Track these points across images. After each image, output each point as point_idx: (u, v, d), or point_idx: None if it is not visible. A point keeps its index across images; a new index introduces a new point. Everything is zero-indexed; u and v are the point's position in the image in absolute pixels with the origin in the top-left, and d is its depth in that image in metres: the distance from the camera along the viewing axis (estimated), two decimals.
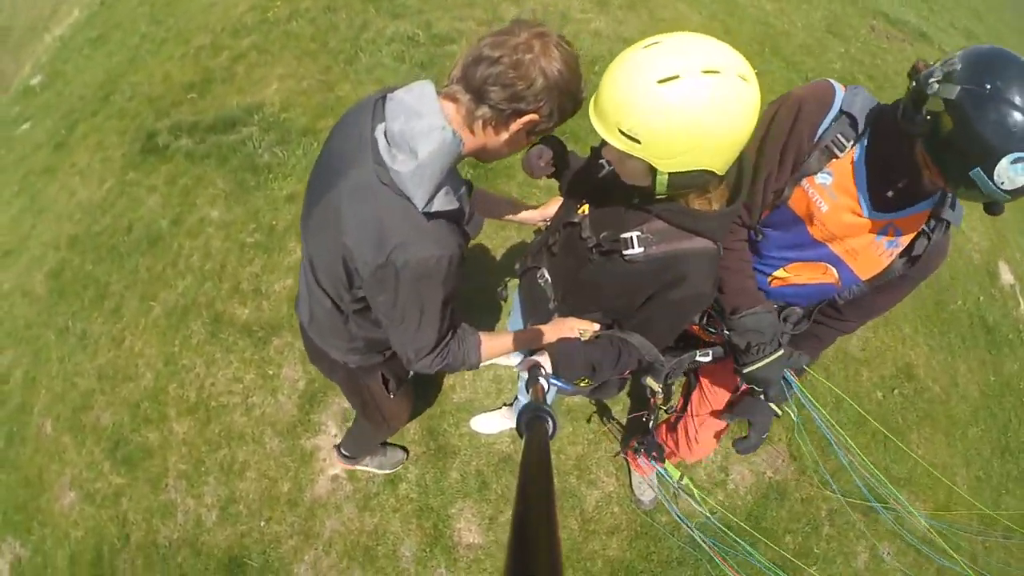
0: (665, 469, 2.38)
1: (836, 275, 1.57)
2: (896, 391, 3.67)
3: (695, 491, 2.48)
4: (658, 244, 1.36)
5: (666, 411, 2.14)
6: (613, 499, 3.00)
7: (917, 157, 1.30)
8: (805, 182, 1.50)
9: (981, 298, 4.31)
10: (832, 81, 1.50)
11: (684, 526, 2.72)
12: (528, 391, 1.40)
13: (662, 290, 1.40)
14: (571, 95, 1.25)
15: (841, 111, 1.45)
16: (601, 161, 1.55)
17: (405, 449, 3.03)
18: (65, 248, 4.32)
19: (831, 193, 1.46)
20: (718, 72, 1.07)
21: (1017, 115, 1.10)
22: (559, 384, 1.63)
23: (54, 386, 3.63)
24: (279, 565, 2.87)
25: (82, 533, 3.16)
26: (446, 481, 2.98)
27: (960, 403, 3.81)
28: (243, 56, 5.18)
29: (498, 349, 1.66)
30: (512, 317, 2.45)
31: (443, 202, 1.25)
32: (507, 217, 2.12)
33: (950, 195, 1.42)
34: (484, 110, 1.21)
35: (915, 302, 4.00)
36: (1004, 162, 1.12)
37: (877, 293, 1.62)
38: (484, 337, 1.60)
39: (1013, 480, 3.69)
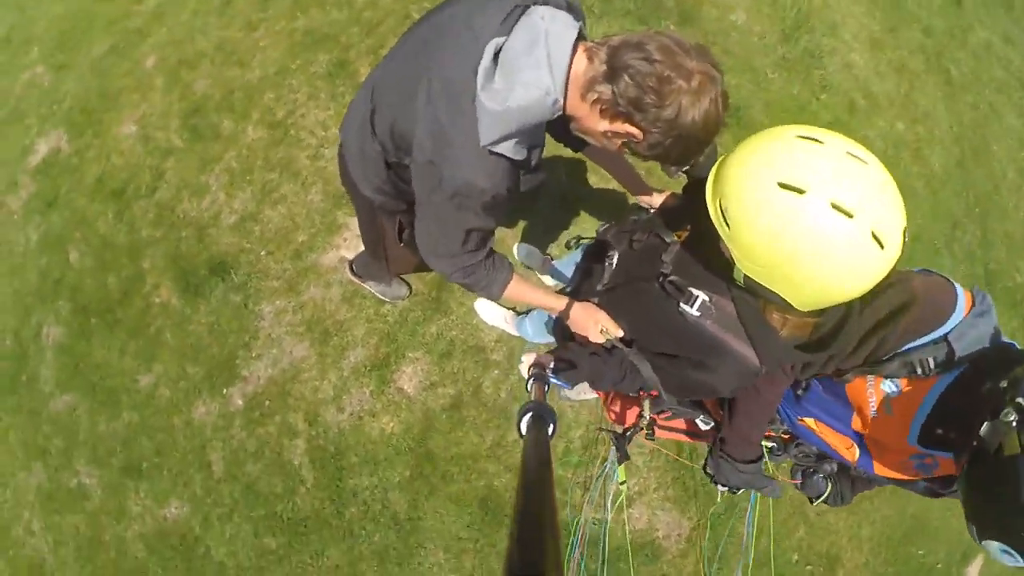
0: (617, 471, 2.52)
1: (856, 456, 1.60)
2: (809, 567, 3.72)
3: (622, 502, 2.67)
4: (713, 323, 1.40)
5: (647, 436, 2.22)
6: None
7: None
8: (871, 378, 1.47)
9: (939, 566, 4.18)
10: (956, 287, 1.41)
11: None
12: (529, 390, 1.56)
13: (687, 361, 1.50)
14: (685, 147, 1.31)
15: (947, 340, 1.36)
16: None
17: (410, 287, 3.40)
18: None
19: (888, 406, 1.43)
20: (850, 216, 1.01)
21: None
22: (560, 384, 1.76)
23: (176, 30, 4.23)
24: (253, 292, 3.42)
25: (121, 163, 3.82)
26: (422, 329, 3.38)
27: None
28: None
29: (523, 296, 1.81)
30: (562, 266, 2.72)
31: (509, 149, 1.35)
32: (617, 177, 2.23)
33: None
34: (605, 89, 1.26)
35: (884, 526, 4.00)
36: (995, 545, 1.12)
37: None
38: (516, 279, 1.75)
39: None
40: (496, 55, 1.31)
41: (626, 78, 1.22)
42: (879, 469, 1.55)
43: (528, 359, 1.70)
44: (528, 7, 1.34)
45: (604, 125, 1.32)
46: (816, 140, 1.06)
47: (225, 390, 3.26)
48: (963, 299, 1.38)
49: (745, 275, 1.22)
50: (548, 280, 3.33)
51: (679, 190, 1.99)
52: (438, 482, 3.22)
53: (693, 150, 1.32)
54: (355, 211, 2.35)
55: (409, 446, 3.22)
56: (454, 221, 1.47)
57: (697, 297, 1.41)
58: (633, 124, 1.27)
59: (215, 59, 4.05)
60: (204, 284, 3.40)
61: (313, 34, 4.09)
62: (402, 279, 3.37)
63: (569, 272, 2.59)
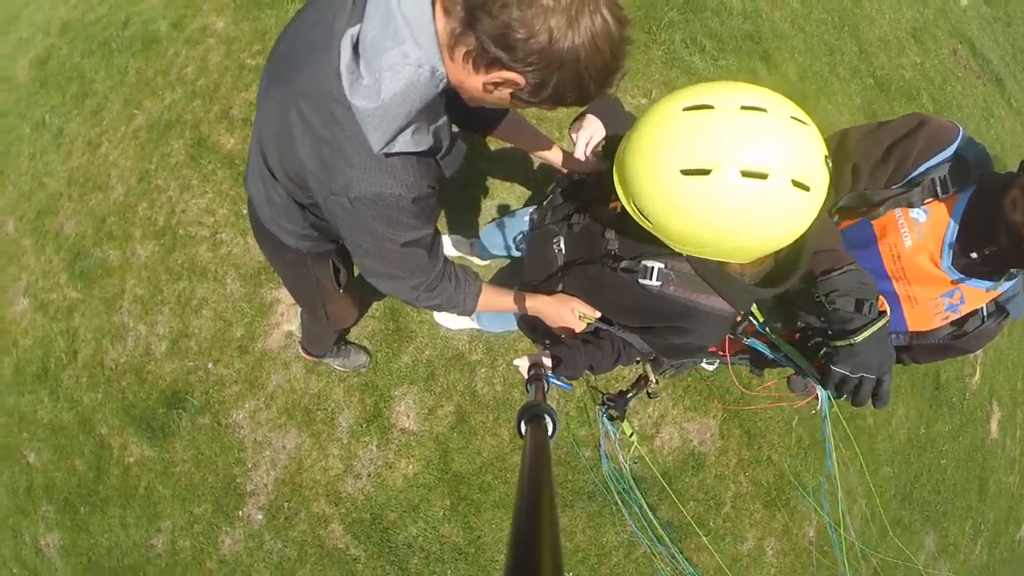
0: (617, 425, 2.43)
1: (887, 311, 1.56)
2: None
3: (635, 445, 2.58)
4: (677, 286, 1.35)
5: (650, 395, 2.14)
6: None
7: (1007, 206, 1.35)
8: (899, 211, 1.55)
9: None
10: (957, 124, 1.58)
11: (602, 466, 2.91)
12: (529, 389, 1.44)
13: (664, 329, 1.43)
14: (579, 81, 1.07)
15: (957, 153, 1.51)
16: None
17: (369, 352, 3.19)
18: (56, 34, 4.40)
19: (920, 232, 1.52)
20: (764, 177, 0.96)
21: None
22: (560, 383, 1.65)
23: (21, 183, 3.83)
24: (219, 408, 3.14)
25: (30, 343, 3.46)
26: (396, 363, 3.20)
27: (885, 441, 4.15)
28: None
29: (497, 304, 1.67)
30: (487, 242, 2.60)
31: (408, 143, 1.16)
32: (532, 151, 2.06)
33: (1019, 285, 1.50)
34: (469, 39, 1.05)
35: None
36: None
37: (918, 352, 1.74)
38: (486, 288, 1.61)
39: (902, 527, 4.08)
40: (355, 47, 1.10)
41: (484, 17, 1.00)
42: (912, 321, 1.60)
43: (524, 361, 1.61)
44: None
45: (481, 78, 1.10)
46: (705, 107, 1.00)
47: (240, 512, 3.00)
48: (962, 128, 1.55)
49: (686, 255, 1.21)
50: (478, 261, 3.23)
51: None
52: (479, 496, 3.07)
53: (592, 83, 1.07)
54: (280, 273, 2.16)
55: (436, 478, 3.05)
56: (388, 241, 1.28)
57: (652, 268, 1.36)
58: (507, 68, 1.05)
59: (71, 195, 3.69)
60: (167, 422, 3.11)
61: (157, 126, 3.75)
62: (359, 346, 3.16)
63: (494, 247, 2.51)
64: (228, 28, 4.07)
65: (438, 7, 1.06)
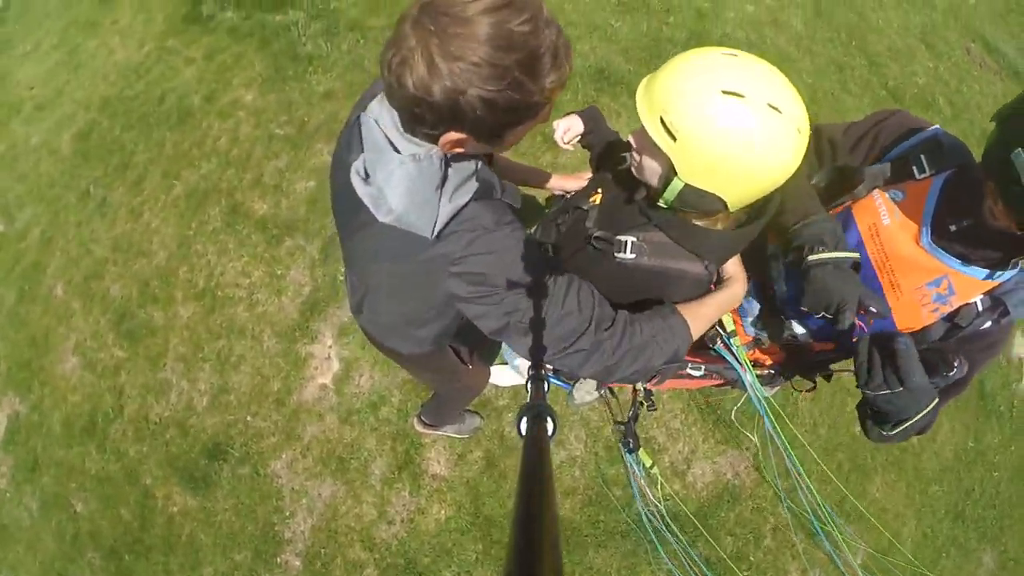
0: (637, 458, 2.51)
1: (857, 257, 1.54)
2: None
3: (660, 480, 2.63)
4: (651, 256, 1.39)
5: (648, 408, 2.19)
6: (577, 463, 3.24)
7: (985, 191, 1.28)
8: (876, 193, 1.48)
9: (999, 353, 4.22)
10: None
11: (635, 505, 2.94)
12: (528, 389, 1.44)
13: (644, 302, 1.45)
14: (493, 103, 0.98)
15: (935, 136, 1.45)
16: (625, 154, 1.50)
17: (480, 415, 3.26)
18: (96, 110, 4.59)
19: (898, 211, 1.44)
20: (779, 112, 1.10)
21: None
22: (559, 383, 1.68)
23: (69, 249, 3.97)
24: (258, 458, 3.21)
25: (79, 398, 3.56)
26: None
27: (931, 459, 3.94)
28: None
29: (706, 313, 1.44)
30: None
31: (451, 208, 1.14)
32: (523, 182, 2.12)
33: (1016, 275, 1.38)
34: (409, 128, 1.09)
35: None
36: None
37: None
38: (684, 307, 1.40)
39: (957, 546, 3.85)
40: (363, 175, 1.18)
41: (397, 108, 1.06)
42: (898, 315, 1.49)
43: (524, 361, 1.61)
44: (359, 116, 1.21)
45: (444, 147, 1.10)
46: (734, 54, 1.15)
47: (278, 559, 3.05)
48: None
49: (684, 186, 1.22)
50: None
51: (582, 170, 2.04)
52: None
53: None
54: (407, 369, 2.21)
55: (469, 522, 3.09)
56: (523, 280, 1.21)
57: (626, 241, 1.39)
58: (439, 135, 1.05)
59: (117, 260, 3.84)
60: (209, 473, 3.19)
61: (195, 194, 3.92)
62: (471, 411, 3.22)
63: None
64: (256, 100, 4.27)
65: (395, 116, 1.11)
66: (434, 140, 1.08)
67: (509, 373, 3.21)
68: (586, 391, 3.14)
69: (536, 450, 0.75)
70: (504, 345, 2.98)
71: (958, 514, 3.94)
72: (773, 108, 1.10)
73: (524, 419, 1.02)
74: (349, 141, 1.25)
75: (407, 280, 1.29)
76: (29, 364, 3.72)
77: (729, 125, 1.10)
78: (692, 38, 4.65)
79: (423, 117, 1.01)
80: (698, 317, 1.39)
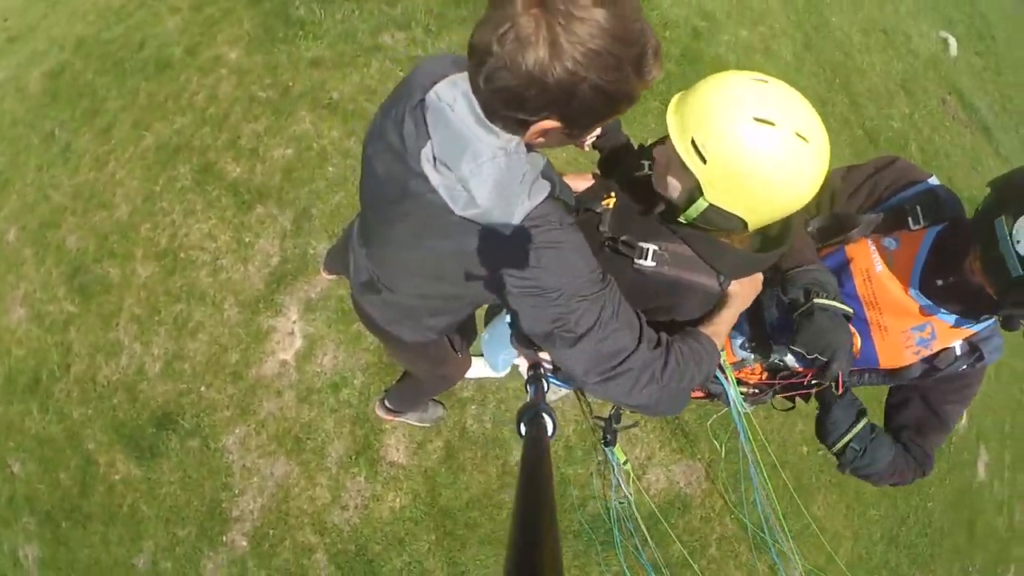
0: (613, 453, 2.47)
1: (858, 344, 1.58)
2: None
3: (631, 476, 2.62)
4: (671, 267, 1.39)
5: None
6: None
7: (972, 261, 1.36)
8: (871, 239, 1.56)
9: (974, 395, 4.39)
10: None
11: (591, 504, 3.02)
12: (528, 389, 1.44)
13: (652, 310, 1.43)
14: (602, 92, 0.96)
15: (931, 189, 1.52)
16: (644, 161, 1.53)
17: (444, 406, 3.18)
18: (70, 50, 4.34)
19: (891, 258, 1.52)
20: (806, 141, 1.12)
21: None
22: (558, 383, 1.66)
23: (26, 193, 3.75)
24: (209, 432, 3.06)
25: (24, 353, 3.36)
26: None
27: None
28: None
29: (722, 325, 1.42)
30: None
31: (530, 204, 1.11)
32: None
33: (991, 325, 1.49)
34: (495, 115, 1.05)
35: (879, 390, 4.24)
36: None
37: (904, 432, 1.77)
38: (705, 327, 1.39)
39: (889, 569, 4.01)
40: (435, 163, 1.11)
41: (488, 93, 1.00)
42: (882, 354, 1.57)
43: (524, 361, 1.64)
44: (424, 99, 1.13)
45: (528, 136, 1.09)
46: (763, 80, 1.16)
47: (224, 537, 2.90)
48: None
49: (708, 207, 1.23)
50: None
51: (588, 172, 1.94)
52: (465, 532, 3.02)
53: (624, 81, 0.97)
54: (397, 357, 2.22)
55: (423, 512, 3.00)
56: (586, 284, 1.17)
57: (648, 249, 1.38)
58: (534, 122, 1.02)
59: (76, 209, 3.62)
60: (156, 442, 3.02)
61: (165, 148, 3.70)
62: (435, 401, 3.13)
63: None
64: (241, 59, 4.05)
65: (473, 103, 1.06)
66: (522, 128, 1.05)
67: (480, 365, 3.11)
68: (556, 388, 3.08)
69: (536, 450, 0.77)
70: (486, 338, 2.89)
71: (892, 539, 4.10)
72: (801, 137, 1.12)
73: (524, 420, 1.06)
74: (401, 129, 1.17)
75: (461, 271, 1.23)
76: None
77: (759, 152, 1.12)
78: (685, 56, 4.64)
79: (528, 101, 0.97)
80: (718, 336, 1.38)
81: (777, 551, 3.14)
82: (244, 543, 2.93)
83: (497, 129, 1.06)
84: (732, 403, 1.69)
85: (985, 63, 7.31)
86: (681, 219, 1.32)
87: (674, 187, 1.28)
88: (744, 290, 1.46)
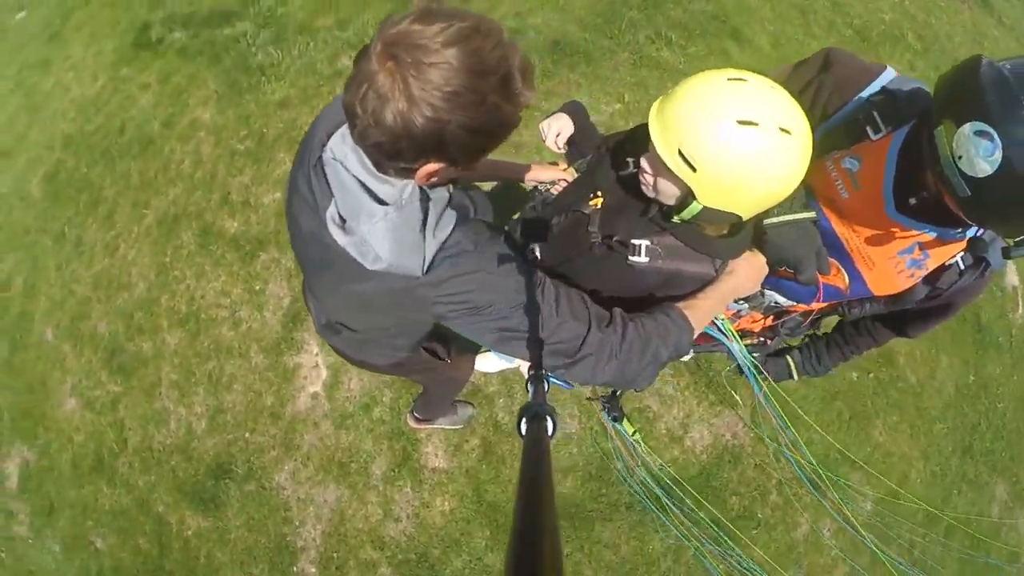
0: (623, 428, 2.49)
1: (846, 280, 1.50)
2: (872, 374, 3.76)
3: (643, 445, 2.59)
4: (665, 260, 1.39)
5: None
6: (573, 440, 3.21)
7: (930, 183, 1.22)
8: (829, 162, 1.41)
9: (981, 295, 4.13)
10: (884, 64, 1.42)
11: (630, 476, 2.94)
12: (528, 388, 1.41)
13: (649, 299, 1.44)
14: (472, 126, 0.96)
15: (885, 89, 1.35)
16: (628, 159, 1.50)
17: (472, 404, 3.23)
18: (60, 149, 4.53)
19: (855, 181, 1.37)
20: (790, 133, 1.11)
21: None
22: (559, 382, 1.65)
23: (53, 294, 3.93)
24: (261, 473, 3.20)
25: (83, 438, 3.54)
26: None
27: (933, 397, 3.87)
28: None
29: (706, 309, 1.39)
30: None
31: (435, 241, 1.12)
32: (501, 177, 2.21)
33: (987, 232, 1.32)
34: (384, 168, 1.06)
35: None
36: (967, 128, 1.04)
37: (905, 319, 1.64)
38: (685, 305, 1.36)
39: (968, 482, 3.80)
40: (339, 223, 1.13)
41: (370, 149, 1.01)
42: (875, 285, 1.47)
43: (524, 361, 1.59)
44: (321, 156, 1.15)
45: (420, 181, 1.08)
46: (740, 80, 1.14)
47: (294, 568, 3.05)
48: (894, 70, 1.39)
49: (703, 209, 1.21)
50: None
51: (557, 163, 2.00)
52: None
53: (493, 111, 0.96)
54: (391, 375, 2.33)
55: (473, 510, 3.08)
56: (514, 288, 1.18)
57: (641, 245, 1.39)
58: (417, 167, 1.02)
59: (99, 297, 3.79)
60: (217, 493, 3.18)
61: (166, 220, 3.86)
62: (463, 401, 3.19)
63: None
64: (214, 118, 4.18)
65: (363, 156, 1.07)
66: (409, 174, 1.05)
67: (494, 359, 3.17)
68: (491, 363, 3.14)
69: (536, 451, 0.76)
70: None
71: (965, 449, 3.88)
72: (784, 131, 1.11)
73: (524, 420, 1.02)
74: (310, 183, 1.20)
75: (392, 307, 1.26)
76: (31, 412, 3.70)
77: (747, 153, 1.11)
78: (648, 2, 4.50)
79: (402, 152, 0.98)
80: (694, 308, 1.35)
81: (836, 490, 2.89)
82: (313, 570, 3.06)
83: (390, 178, 1.07)
84: (737, 355, 1.69)
85: None
86: (676, 219, 1.31)
87: (666, 191, 1.27)
88: (738, 267, 1.43)
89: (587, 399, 3.03)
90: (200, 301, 3.58)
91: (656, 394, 3.31)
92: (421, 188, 1.12)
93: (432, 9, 0.93)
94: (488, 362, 3.17)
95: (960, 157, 1.05)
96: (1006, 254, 1.18)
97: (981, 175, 1.03)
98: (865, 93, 1.37)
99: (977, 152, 1.02)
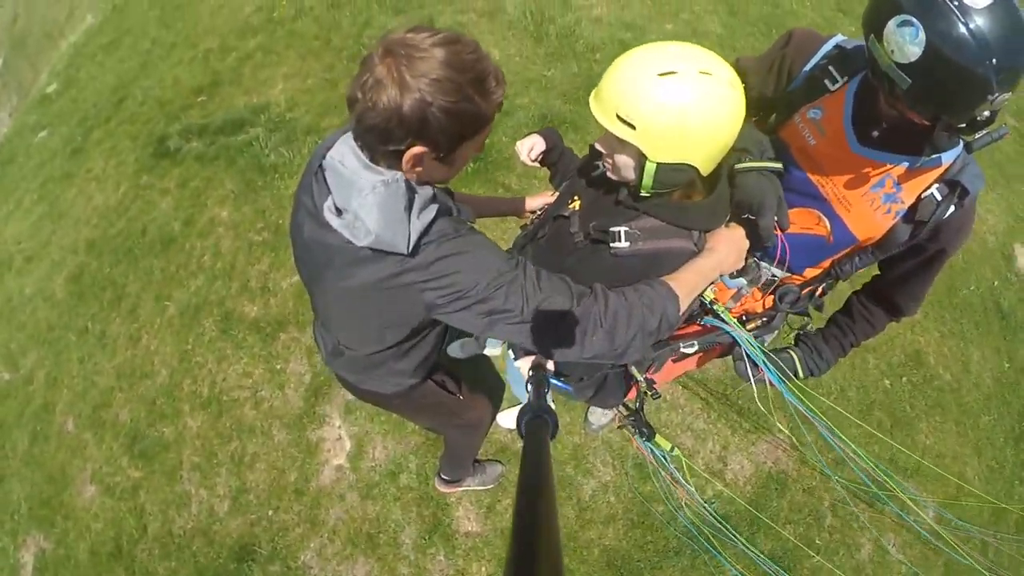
0: (656, 445, 2.45)
1: (828, 227, 1.56)
2: (904, 378, 3.74)
3: (684, 462, 2.52)
4: (644, 241, 1.43)
5: (652, 396, 2.20)
6: (610, 488, 3.18)
7: (883, 95, 1.32)
8: (797, 116, 1.53)
9: (996, 282, 4.29)
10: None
11: (678, 516, 2.85)
12: (528, 391, 1.43)
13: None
14: (454, 114, 1.14)
15: (837, 45, 1.50)
16: (597, 162, 1.58)
17: (502, 462, 3.19)
18: (83, 252, 4.64)
19: (820, 127, 1.49)
20: (710, 75, 1.20)
21: None
22: (560, 384, 1.69)
23: (75, 385, 3.94)
24: (287, 552, 3.12)
25: (102, 525, 3.46)
26: None
27: (972, 391, 3.82)
28: (249, 57, 5.49)
29: (691, 279, 1.40)
30: None
31: (419, 224, 1.22)
32: (498, 213, 2.28)
33: (959, 154, 1.39)
34: (375, 153, 1.21)
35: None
36: (891, 24, 1.15)
37: (895, 283, 1.65)
38: (672, 278, 1.38)
39: None
40: (336, 210, 1.26)
41: (363, 132, 1.18)
42: (856, 227, 1.52)
43: (526, 362, 1.62)
44: (322, 163, 1.30)
45: (406, 168, 1.22)
46: (659, 46, 1.26)
47: None
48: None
49: (657, 167, 1.28)
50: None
51: (547, 189, 2.09)
52: None
53: (471, 104, 1.15)
54: (401, 414, 2.27)
55: None
56: (495, 271, 1.27)
57: (619, 231, 1.44)
58: (405, 151, 1.17)
59: (122, 387, 3.81)
60: None
61: (188, 311, 3.94)
62: (492, 460, 3.17)
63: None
64: (232, 215, 4.36)
65: (357, 149, 1.23)
66: (397, 160, 1.19)
67: (513, 415, 3.20)
68: (601, 414, 3.12)
69: (536, 450, 0.79)
70: (509, 379, 2.95)
71: (1018, 437, 3.78)
72: (704, 73, 1.20)
73: (524, 420, 1.07)
74: (312, 192, 1.33)
75: (387, 301, 1.33)
76: (49, 501, 3.62)
77: (673, 98, 1.20)
78: None
79: (392, 132, 1.13)
80: (679, 281, 1.37)
81: (895, 502, 2.88)
82: None
83: (381, 168, 1.21)
84: (744, 344, 1.70)
85: None
86: (643, 192, 1.38)
87: (625, 164, 1.35)
88: (718, 244, 1.46)
89: (618, 427, 2.89)
90: (222, 384, 3.62)
91: (689, 429, 3.30)
92: (407, 181, 1.23)
93: (422, 25, 1.15)
94: (510, 417, 3.19)
95: (892, 51, 1.15)
96: (968, 148, 1.29)
97: (914, 59, 1.13)
98: (821, 52, 1.52)
99: (905, 40, 1.13)
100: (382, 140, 1.16)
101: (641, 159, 1.30)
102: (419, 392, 1.85)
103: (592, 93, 1.35)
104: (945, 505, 3.19)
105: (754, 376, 1.72)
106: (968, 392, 3.81)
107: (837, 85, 1.46)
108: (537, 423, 1.03)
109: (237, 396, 3.55)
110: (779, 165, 1.51)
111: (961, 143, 1.36)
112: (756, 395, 1.68)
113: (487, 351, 3.27)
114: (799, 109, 1.53)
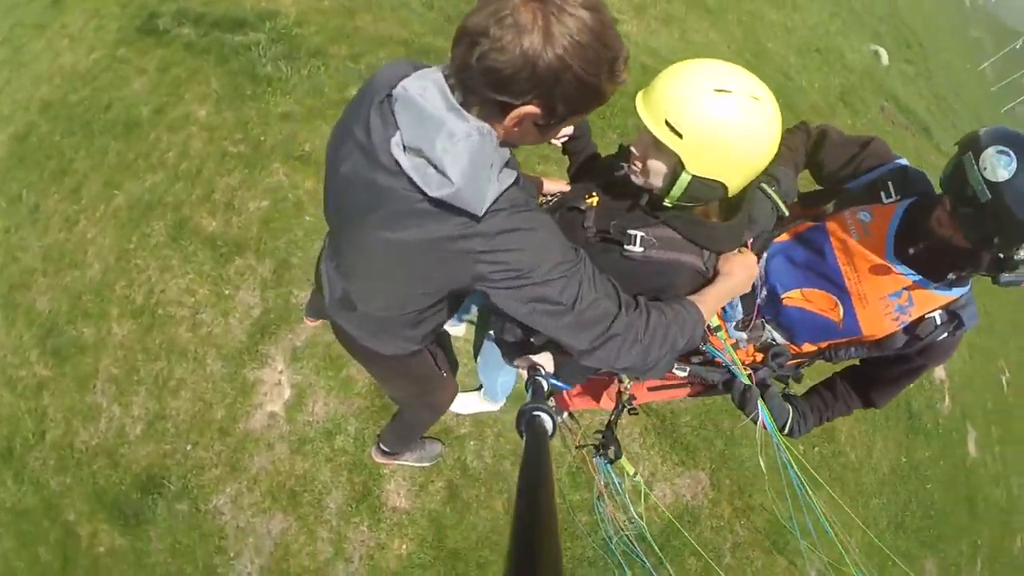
0: (620, 469, 2.32)
1: (840, 314, 1.63)
2: (816, 448, 3.94)
3: (644, 490, 2.55)
4: (658, 250, 1.42)
5: (630, 411, 2.13)
6: None
7: (933, 224, 1.44)
8: (847, 212, 1.63)
9: (912, 386, 4.42)
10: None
11: (601, 531, 2.81)
12: (528, 391, 1.43)
13: (645, 292, 1.41)
14: (582, 85, 1.02)
15: (901, 166, 1.64)
16: (623, 163, 1.54)
17: (441, 441, 3.00)
18: (36, 112, 4.15)
19: (866, 229, 1.58)
20: (759, 100, 1.23)
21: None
22: (558, 383, 1.60)
23: None
24: (198, 492, 2.81)
25: None
26: None
27: (870, 474, 4.11)
28: None
29: (714, 299, 1.42)
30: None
31: (501, 185, 1.10)
32: None
33: (966, 293, 1.53)
34: (474, 97, 1.05)
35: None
36: (991, 148, 1.26)
37: (878, 382, 1.78)
38: (697, 298, 1.38)
39: (900, 555, 3.91)
40: (405, 149, 1.08)
41: (474, 73, 1.00)
42: (864, 323, 1.61)
43: (525, 362, 1.61)
44: (390, 94, 1.11)
45: (505, 123, 1.08)
46: (713, 62, 1.27)
47: None
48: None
49: (691, 179, 1.28)
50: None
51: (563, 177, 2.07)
52: (477, 573, 2.82)
53: (598, 79, 1.04)
54: (381, 379, 2.11)
55: (432, 556, 2.79)
56: (556, 262, 1.15)
57: (636, 235, 1.42)
58: (515, 106, 1.04)
59: (46, 270, 3.39)
60: (142, 508, 2.75)
61: (138, 206, 3.52)
62: (431, 438, 2.96)
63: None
64: (210, 117, 3.92)
65: (447, 87, 1.07)
66: (502, 113, 1.06)
67: (472, 400, 3.01)
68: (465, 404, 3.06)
69: (536, 450, 0.78)
70: (480, 364, 2.75)
71: (899, 524, 4.10)
72: (755, 98, 1.22)
73: (523, 420, 1.06)
74: (367, 125, 1.16)
75: (433, 264, 1.18)
76: None
77: (725, 116, 1.21)
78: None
79: (515, 83, 0.99)
80: (705, 304, 1.37)
81: (803, 547, 3.10)
82: None
83: (470, 116, 1.06)
84: (734, 368, 1.78)
85: (916, 69, 7.66)
86: (666, 202, 1.37)
87: (656, 170, 1.32)
88: (734, 269, 1.46)
89: (577, 447, 2.84)
90: (160, 295, 3.23)
91: (624, 450, 3.16)
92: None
93: None
94: (464, 403, 2.99)
95: (985, 168, 1.26)
96: (995, 280, 1.37)
97: (1002, 180, 1.24)
98: (886, 167, 1.66)
99: (998, 163, 1.24)
100: (496, 87, 1.01)
101: (676, 168, 1.29)
102: (416, 359, 1.75)
103: (640, 93, 1.34)
104: (829, 566, 3.33)
105: (749, 415, 1.81)
106: (866, 474, 4.10)
107: (890, 200, 1.58)
108: (537, 422, 1.02)
109: (174, 313, 3.17)
110: (785, 212, 1.68)
111: (970, 285, 1.51)
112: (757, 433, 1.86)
113: (448, 328, 3.09)
114: (851, 206, 1.64)
